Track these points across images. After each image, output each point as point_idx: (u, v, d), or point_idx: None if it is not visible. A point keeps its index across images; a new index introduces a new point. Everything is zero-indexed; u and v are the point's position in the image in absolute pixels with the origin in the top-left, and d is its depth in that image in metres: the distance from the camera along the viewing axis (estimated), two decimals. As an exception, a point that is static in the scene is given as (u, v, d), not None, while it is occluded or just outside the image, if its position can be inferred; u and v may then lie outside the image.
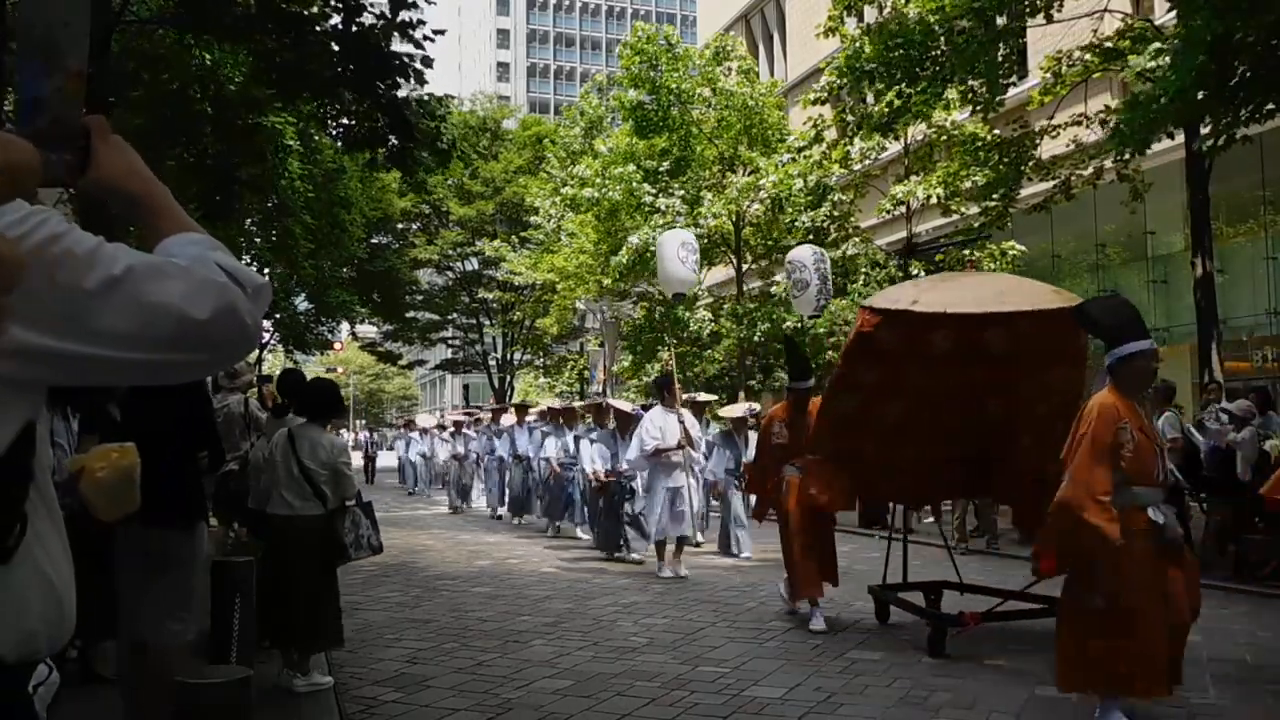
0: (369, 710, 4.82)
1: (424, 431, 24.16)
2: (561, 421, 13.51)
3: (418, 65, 9.74)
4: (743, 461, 10.82)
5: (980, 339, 6.05)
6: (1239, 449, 8.67)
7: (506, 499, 15.30)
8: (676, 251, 11.60)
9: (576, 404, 15.66)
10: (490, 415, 18.13)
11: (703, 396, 13.14)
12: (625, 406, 11.34)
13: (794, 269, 12.71)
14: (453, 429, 19.83)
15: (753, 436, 11.00)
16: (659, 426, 9.42)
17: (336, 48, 9.69)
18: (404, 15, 9.51)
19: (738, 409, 12.48)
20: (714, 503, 12.32)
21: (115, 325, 1.09)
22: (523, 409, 16.05)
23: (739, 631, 6.66)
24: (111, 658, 4.59)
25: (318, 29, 9.75)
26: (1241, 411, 8.81)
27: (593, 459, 10.77)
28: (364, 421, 63.29)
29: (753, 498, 9.06)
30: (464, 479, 17.90)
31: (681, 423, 9.54)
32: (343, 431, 39.21)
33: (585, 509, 12.25)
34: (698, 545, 11.05)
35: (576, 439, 12.45)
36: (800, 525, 6.81)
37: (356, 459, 26.37)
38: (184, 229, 1.27)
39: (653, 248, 18.94)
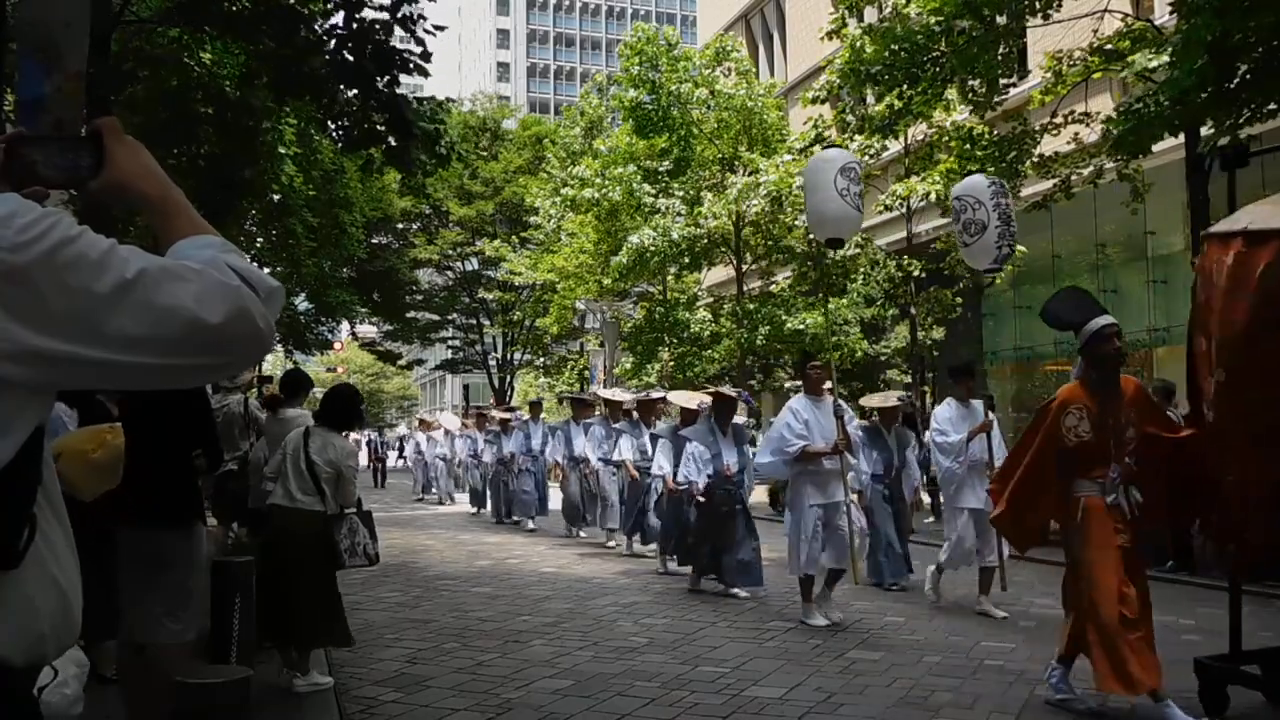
0: (369, 710, 4.82)
1: (447, 433, 21.09)
2: (637, 417, 11.42)
3: (417, 60, 9.71)
4: (892, 467, 8.83)
5: None
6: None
7: (530, 504, 14.29)
8: (834, 180, 7.83)
9: (656, 394, 12.70)
10: (529, 410, 15.75)
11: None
12: (728, 390, 8.99)
13: (964, 206, 9.02)
14: (498, 427, 15.98)
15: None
16: (804, 420, 7.04)
17: (334, 42, 9.65)
18: (405, 10, 9.49)
19: (889, 397, 9.83)
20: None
21: (127, 329, 1.08)
22: (581, 404, 13.79)
23: (739, 631, 6.65)
24: (112, 658, 4.59)
25: (316, 26, 9.72)
26: (1243, 411, 8.75)
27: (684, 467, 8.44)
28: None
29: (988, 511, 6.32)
30: (509, 483, 15.04)
31: (839, 417, 7.09)
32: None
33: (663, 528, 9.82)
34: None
35: (654, 438, 10.11)
36: (1116, 578, 4.49)
37: (362, 459, 25.66)
38: (198, 231, 1.26)
39: (652, 248, 19.00)
